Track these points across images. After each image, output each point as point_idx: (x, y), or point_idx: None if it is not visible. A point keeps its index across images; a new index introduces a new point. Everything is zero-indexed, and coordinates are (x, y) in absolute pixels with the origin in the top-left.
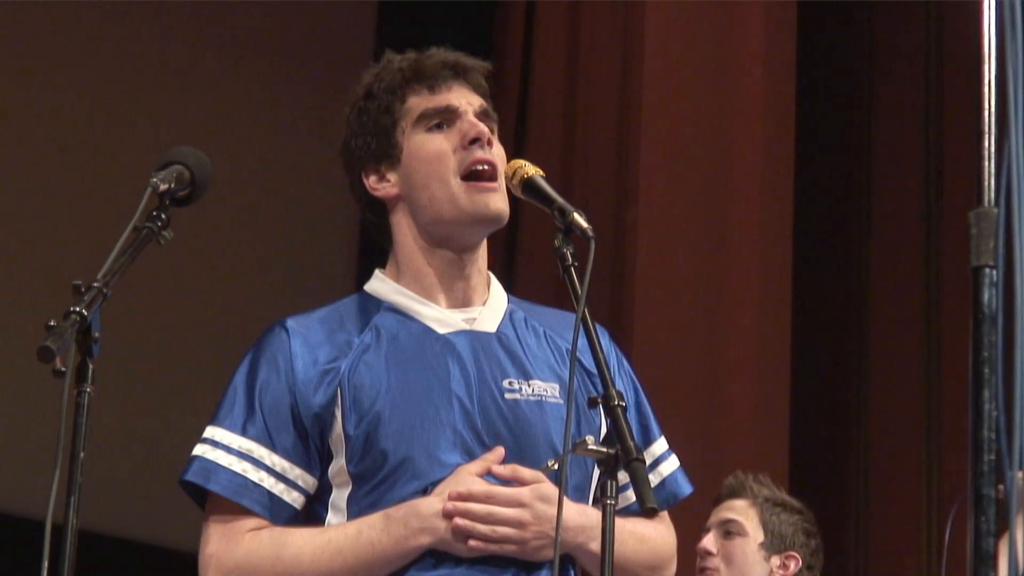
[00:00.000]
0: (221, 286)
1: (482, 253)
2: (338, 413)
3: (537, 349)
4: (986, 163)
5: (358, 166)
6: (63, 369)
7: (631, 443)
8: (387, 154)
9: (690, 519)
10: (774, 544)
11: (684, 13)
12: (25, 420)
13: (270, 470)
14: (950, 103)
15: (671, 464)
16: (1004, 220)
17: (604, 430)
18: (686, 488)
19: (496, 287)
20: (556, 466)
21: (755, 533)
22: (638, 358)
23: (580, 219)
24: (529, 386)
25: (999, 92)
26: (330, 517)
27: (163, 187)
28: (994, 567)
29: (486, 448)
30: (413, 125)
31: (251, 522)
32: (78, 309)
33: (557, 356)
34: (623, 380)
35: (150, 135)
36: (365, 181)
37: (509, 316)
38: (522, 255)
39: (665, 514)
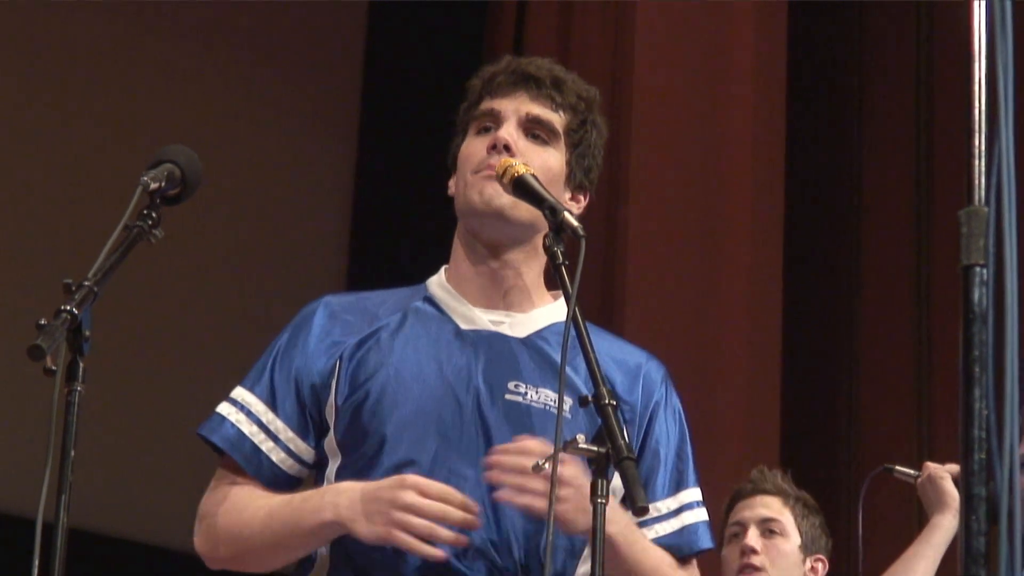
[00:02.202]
0: (212, 285)
1: (524, 263)
2: (333, 384)
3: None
4: (976, 162)
5: (449, 162)
6: (54, 368)
7: (622, 442)
8: (456, 154)
9: None
10: (807, 547)
11: (674, 13)
12: (16, 418)
13: (265, 428)
14: (940, 102)
15: (697, 515)
16: (994, 219)
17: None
18: (706, 542)
19: (552, 308)
20: (547, 466)
21: (794, 535)
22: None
23: (570, 218)
24: (538, 393)
25: (989, 91)
26: None
27: (154, 186)
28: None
29: (465, 442)
30: (469, 128)
31: (239, 476)
32: (69, 308)
33: (584, 379)
34: (668, 419)
35: (140, 133)
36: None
37: (552, 330)
38: None
39: (694, 565)
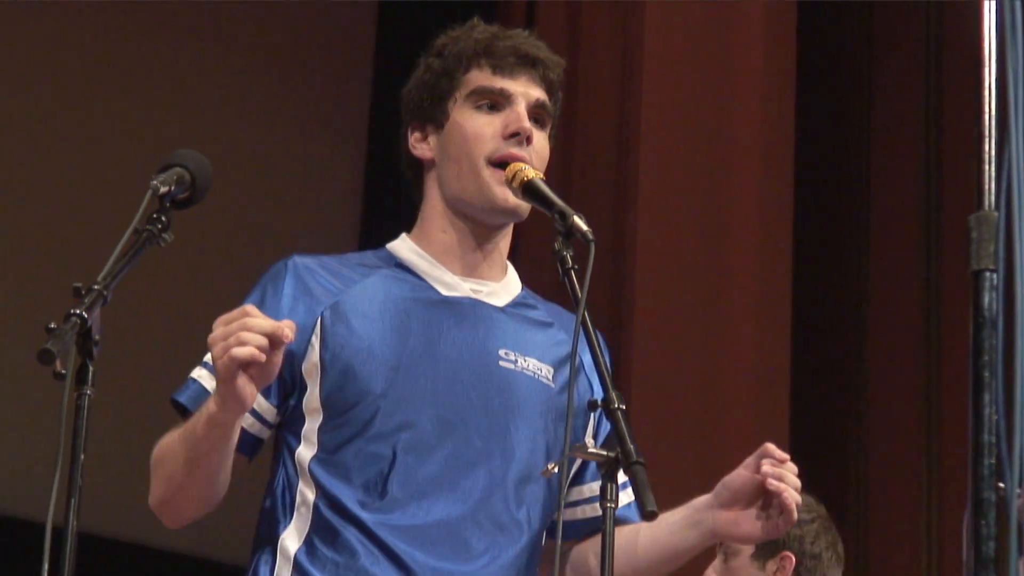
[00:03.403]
0: (222, 288)
1: (504, 236)
2: (316, 341)
3: (540, 334)
4: (986, 167)
5: (407, 118)
6: (63, 371)
7: (631, 446)
8: (434, 117)
9: None
10: (764, 550)
11: (684, 13)
12: (26, 422)
13: None
14: (949, 106)
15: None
16: (1004, 224)
17: (591, 425)
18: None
19: (513, 275)
20: (555, 469)
21: (744, 546)
22: (637, 361)
23: (580, 222)
24: (526, 361)
25: (999, 95)
26: (301, 448)
27: (163, 189)
28: None
29: (466, 407)
30: (465, 98)
31: None
32: (78, 311)
33: (558, 346)
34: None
35: (151, 136)
36: (409, 135)
37: (521, 299)
38: (522, 257)
39: None
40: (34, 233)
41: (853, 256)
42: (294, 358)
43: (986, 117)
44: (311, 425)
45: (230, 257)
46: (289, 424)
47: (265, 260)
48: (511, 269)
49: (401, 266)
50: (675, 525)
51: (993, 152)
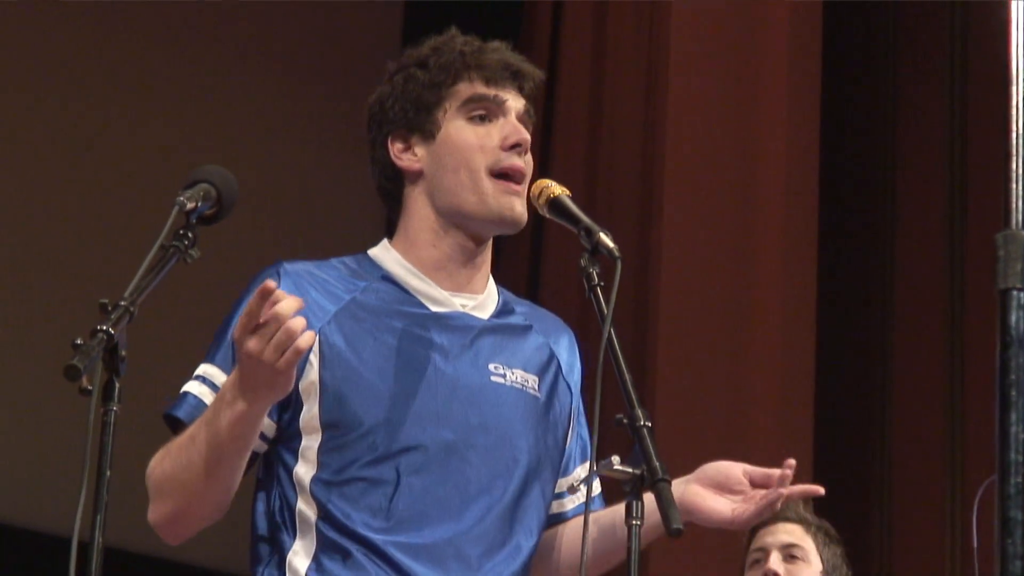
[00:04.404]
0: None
1: (488, 248)
2: (314, 360)
3: (522, 341)
4: (1013, 185)
5: (387, 128)
6: (90, 388)
7: (656, 464)
8: (422, 128)
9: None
10: (829, 575)
11: (709, 15)
12: (52, 438)
13: None
14: (975, 123)
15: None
16: None
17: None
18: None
19: (491, 282)
20: (580, 486)
21: (816, 562)
22: (662, 377)
23: (607, 239)
24: (513, 374)
25: None
26: (299, 467)
27: (190, 205)
28: None
29: (463, 425)
30: (457, 108)
31: None
32: (105, 328)
33: (540, 352)
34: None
35: (178, 152)
36: (390, 146)
37: (503, 306)
38: (547, 273)
39: None
40: (61, 249)
41: (878, 272)
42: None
43: (1013, 135)
44: (309, 443)
45: (255, 271)
46: (284, 440)
47: None
48: (489, 276)
49: (388, 279)
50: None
51: (1020, 170)
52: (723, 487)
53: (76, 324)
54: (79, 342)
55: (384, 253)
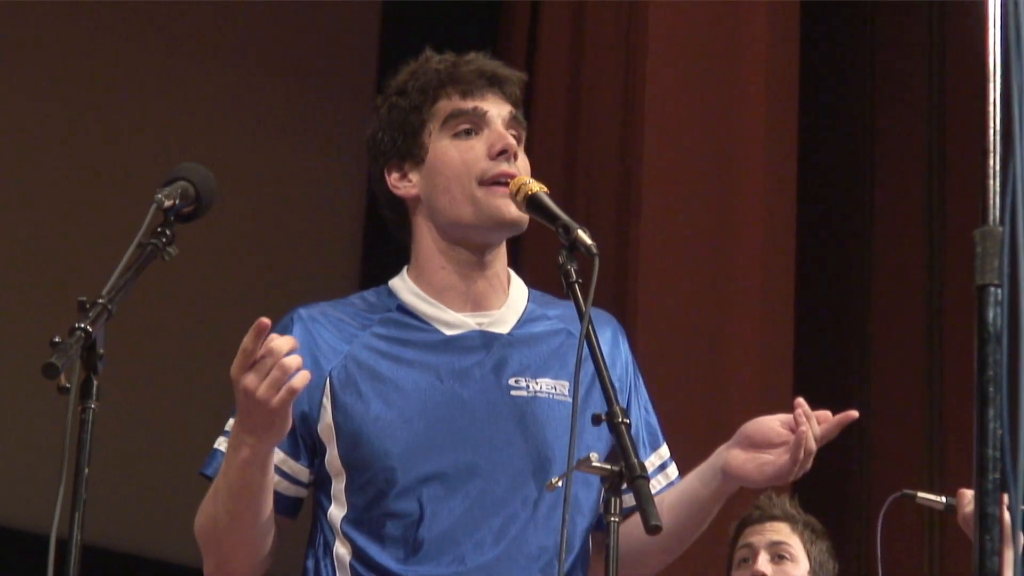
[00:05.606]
0: (226, 301)
1: (501, 253)
2: (327, 403)
3: (551, 348)
4: (991, 181)
5: (382, 161)
6: (67, 386)
7: (635, 460)
8: (411, 153)
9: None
10: (816, 572)
11: (687, 14)
12: (30, 436)
13: None
14: (953, 120)
15: (675, 470)
16: (1009, 239)
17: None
18: None
19: (516, 287)
20: (560, 483)
21: (803, 560)
22: (642, 370)
23: (584, 236)
24: (537, 383)
25: (1004, 110)
26: (332, 508)
27: (168, 203)
28: None
29: (486, 447)
30: (440, 128)
31: None
32: (83, 325)
33: (573, 352)
34: (637, 376)
35: (155, 150)
36: (387, 177)
37: (528, 315)
38: (526, 270)
39: None
40: (39, 247)
41: (856, 269)
42: (308, 419)
43: (991, 132)
44: (338, 485)
45: (233, 271)
46: (319, 484)
47: (268, 275)
48: (515, 281)
49: (403, 308)
50: (696, 473)
51: (998, 167)
52: (763, 444)
53: (54, 322)
54: (57, 340)
55: (400, 283)
